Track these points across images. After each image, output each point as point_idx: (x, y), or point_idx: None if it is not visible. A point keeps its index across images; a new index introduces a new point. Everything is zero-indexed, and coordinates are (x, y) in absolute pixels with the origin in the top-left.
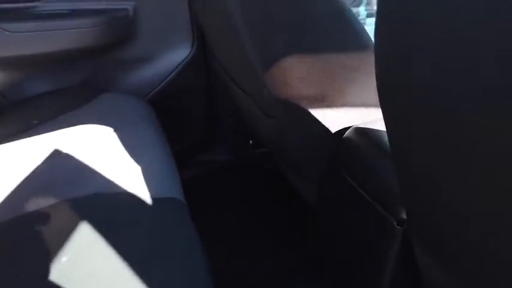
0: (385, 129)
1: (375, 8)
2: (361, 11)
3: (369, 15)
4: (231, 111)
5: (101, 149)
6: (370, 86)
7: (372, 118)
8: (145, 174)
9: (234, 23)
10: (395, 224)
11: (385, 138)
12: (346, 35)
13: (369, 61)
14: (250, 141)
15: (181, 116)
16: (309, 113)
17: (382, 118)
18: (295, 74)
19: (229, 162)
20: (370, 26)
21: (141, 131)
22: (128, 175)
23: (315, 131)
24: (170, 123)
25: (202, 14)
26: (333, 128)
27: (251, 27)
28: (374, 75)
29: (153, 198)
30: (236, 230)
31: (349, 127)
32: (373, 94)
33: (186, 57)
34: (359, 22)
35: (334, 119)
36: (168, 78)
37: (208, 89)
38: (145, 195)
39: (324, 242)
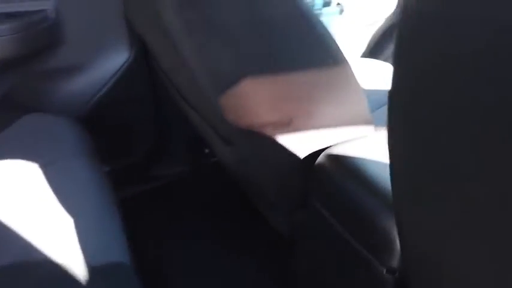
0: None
1: None
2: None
3: (325, 4)
4: (183, 119)
5: (22, 196)
6: (342, 102)
7: (344, 138)
8: (80, 232)
9: (173, 36)
10: (384, 271)
11: (361, 163)
12: (312, 47)
13: (339, 75)
14: (206, 150)
15: (125, 130)
16: (274, 140)
17: (355, 138)
18: (253, 97)
19: (184, 173)
20: (327, 17)
21: (75, 167)
22: (58, 234)
23: (282, 158)
24: (113, 139)
25: (136, 19)
26: (303, 153)
27: (192, 40)
28: (346, 90)
29: (92, 266)
30: (196, 249)
31: (321, 151)
32: (345, 110)
33: (124, 63)
34: (327, 31)
35: (303, 143)
36: (104, 89)
37: (154, 97)
38: (80, 262)
39: (301, 280)
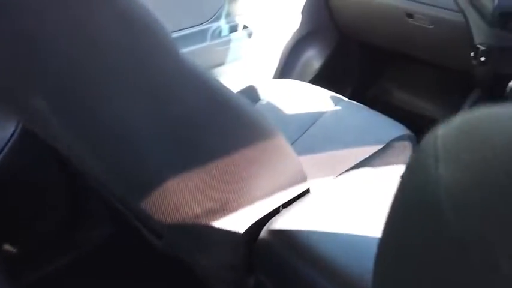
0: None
1: (237, 19)
2: (223, 25)
3: (231, 30)
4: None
5: None
6: (275, 171)
7: (281, 201)
8: None
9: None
10: None
11: (301, 236)
12: (235, 129)
13: (268, 147)
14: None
15: (30, 200)
16: (211, 226)
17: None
18: (180, 194)
19: (111, 237)
20: (236, 42)
21: None
22: None
23: (222, 241)
24: (16, 213)
25: None
26: (242, 230)
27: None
28: (277, 158)
29: None
30: None
31: (261, 224)
32: (279, 177)
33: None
34: (249, 107)
35: (240, 221)
36: None
37: (57, 163)
38: None
39: None
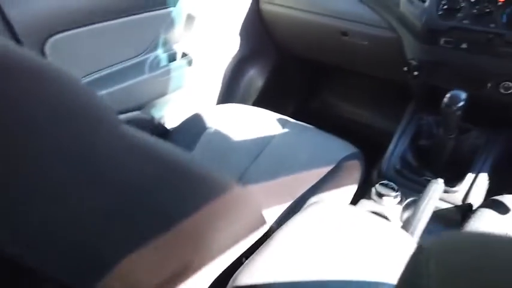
0: None
1: (175, 47)
2: (161, 54)
3: (170, 59)
4: None
5: None
6: (233, 224)
7: (242, 250)
8: None
9: None
10: None
11: None
12: (189, 185)
13: (224, 198)
14: None
15: None
16: None
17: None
18: (135, 269)
19: None
20: (176, 71)
21: None
22: None
23: None
24: None
25: None
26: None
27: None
28: (236, 207)
29: None
30: None
31: (224, 279)
32: (238, 228)
33: None
34: (197, 162)
35: (205, 279)
36: None
37: None
38: None
39: None
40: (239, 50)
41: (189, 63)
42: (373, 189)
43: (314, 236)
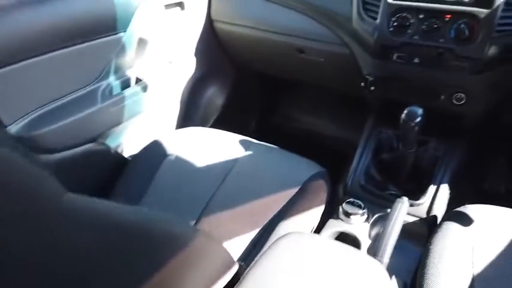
0: None
1: (128, 72)
2: (113, 82)
3: (124, 86)
4: None
5: None
6: (206, 268)
7: None
8: None
9: None
10: None
11: None
12: (151, 243)
13: (190, 248)
14: None
15: None
16: None
17: None
18: None
19: None
20: (131, 98)
21: None
22: None
23: None
24: None
25: None
26: None
27: None
28: (203, 254)
29: None
30: None
31: None
32: (212, 272)
33: None
34: (158, 217)
35: None
36: None
37: None
38: None
39: None
40: (196, 71)
41: (144, 89)
42: (340, 208)
43: (285, 276)
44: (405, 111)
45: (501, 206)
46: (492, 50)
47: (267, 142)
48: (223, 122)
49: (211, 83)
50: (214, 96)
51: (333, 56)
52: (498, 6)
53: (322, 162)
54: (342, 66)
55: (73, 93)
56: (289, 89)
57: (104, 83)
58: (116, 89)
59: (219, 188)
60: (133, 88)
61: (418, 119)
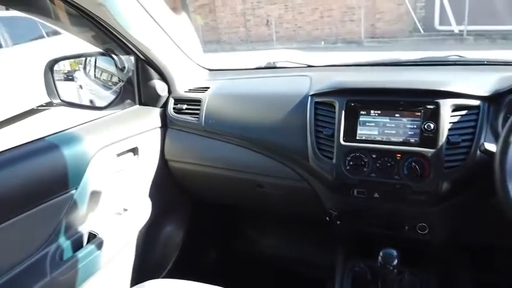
0: None
1: (80, 229)
2: (63, 244)
3: (75, 247)
4: None
5: None
6: None
7: None
8: None
9: None
10: None
11: None
12: None
13: None
14: None
15: None
16: None
17: None
18: None
19: None
20: (85, 259)
21: None
22: None
23: None
24: None
25: None
26: None
27: None
28: None
29: None
30: None
31: None
32: None
33: None
34: None
35: None
36: None
37: None
38: None
39: None
40: (152, 213)
41: (99, 246)
42: None
43: None
44: (381, 254)
45: None
46: (445, 185)
47: (231, 270)
48: (184, 256)
49: (168, 223)
50: (173, 233)
51: (293, 190)
52: (442, 146)
53: None
54: (303, 200)
55: (17, 266)
56: (250, 216)
57: (52, 247)
58: (67, 252)
59: None
60: (87, 247)
61: (395, 262)
